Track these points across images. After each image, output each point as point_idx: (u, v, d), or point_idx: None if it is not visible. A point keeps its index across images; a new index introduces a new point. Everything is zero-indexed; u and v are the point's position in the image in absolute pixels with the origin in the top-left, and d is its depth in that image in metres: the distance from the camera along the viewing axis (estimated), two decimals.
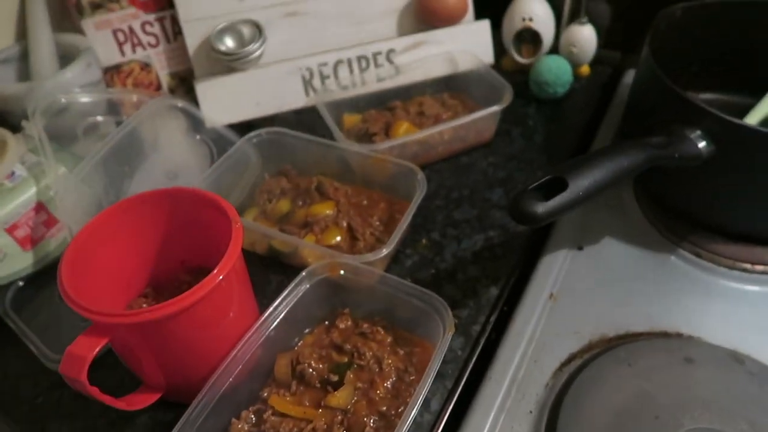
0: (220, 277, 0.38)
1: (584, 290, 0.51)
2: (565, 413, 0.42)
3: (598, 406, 0.42)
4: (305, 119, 0.70)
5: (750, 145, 0.47)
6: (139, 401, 0.43)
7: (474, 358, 0.47)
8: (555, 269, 0.53)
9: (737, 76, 0.64)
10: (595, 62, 0.75)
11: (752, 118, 0.57)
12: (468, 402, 0.45)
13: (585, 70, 0.76)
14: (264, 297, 0.52)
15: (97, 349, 0.36)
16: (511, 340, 0.48)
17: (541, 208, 0.41)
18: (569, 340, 0.48)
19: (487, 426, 0.43)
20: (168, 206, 0.46)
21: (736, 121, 0.46)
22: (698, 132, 0.48)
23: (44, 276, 0.54)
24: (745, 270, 0.51)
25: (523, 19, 0.72)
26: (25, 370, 0.49)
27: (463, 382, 0.46)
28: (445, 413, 0.44)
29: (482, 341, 0.48)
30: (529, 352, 0.47)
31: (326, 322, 0.49)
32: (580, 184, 0.42)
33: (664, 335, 0.48)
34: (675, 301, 0.50)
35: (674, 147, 0.47)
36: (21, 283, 0.54)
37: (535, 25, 0.72)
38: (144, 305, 0.48)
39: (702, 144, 0.48)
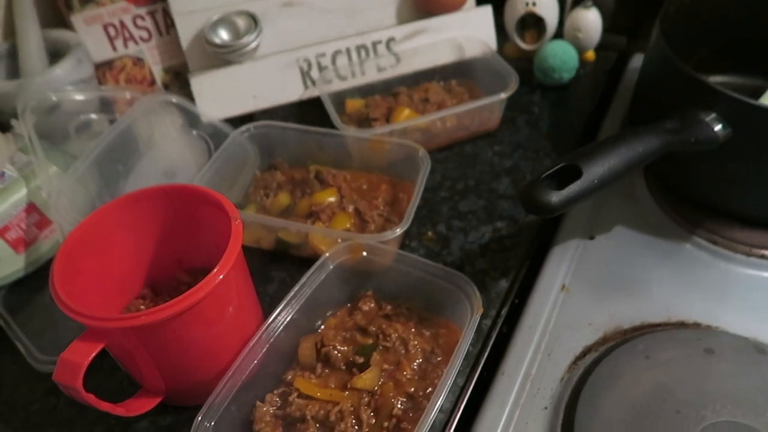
0: (221, 277, 0.37)
1: (597, 281, 0.50)
2: (582, 409, 0.41)
3: (616, 401, 0.41)
4: (303, 110, 0.69)
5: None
6: (138, 406, 0.41)
7: (486, 354, 0.46)
8: (566, 260, 0.52)
9: (746, 59, 0.63)
10: (600, 47, 0.74)
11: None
12: (481, 399, 0.43)
13: (590, 55, 0.74)
14: (266, 295, 0.51)
15: (93, 355, 0.35)
16: (523, 333, 0.47)
17: (555, 197, 0.39)
18: (583, 332, 0.46)
19: (501, 423, 0.42)
20: (163, 204, 0.44)
21: (754, 102, 0.45)
22: (713, 115, 0.46)
23: (39, 278, 0.52)
24: (763, 256, 0.50)
25: (526, 4, 0.70)
26: (21, 377, 0.47)
27: (475, 379, 0.44)
28: (458, 411, 0.43)
29: (494, 335, 0.47)
30: (542, 346, 0.46)
31: (348, 305, 0.48)
32: (594, 171, 0.40)
33: (682, 325, 0.46)
34: (692, 290, 0.48)
35: (690, 131, 0.46)
36: (14, 286, 0.52)
37: (539, 10, 0.70)
38: (142, 307, 0.46)
39: (718, 127, 0.46)
